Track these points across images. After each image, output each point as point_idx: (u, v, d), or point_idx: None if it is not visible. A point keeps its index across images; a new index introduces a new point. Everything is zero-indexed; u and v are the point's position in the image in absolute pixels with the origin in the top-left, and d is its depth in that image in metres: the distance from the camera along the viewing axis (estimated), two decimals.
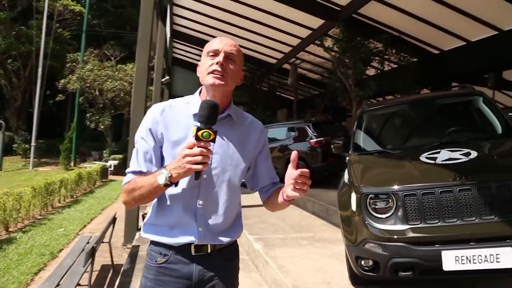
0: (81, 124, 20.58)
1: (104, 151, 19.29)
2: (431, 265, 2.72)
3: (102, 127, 19.28)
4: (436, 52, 11.05)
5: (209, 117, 1.24)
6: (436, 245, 2.73)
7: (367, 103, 4.49)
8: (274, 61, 17.01)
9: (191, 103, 1.47)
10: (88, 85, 18.55)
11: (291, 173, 1.30)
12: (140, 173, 1.40)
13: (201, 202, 1.41)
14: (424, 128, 4.13)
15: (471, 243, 2.67)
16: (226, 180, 1.44)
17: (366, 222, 2.98)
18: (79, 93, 19.75)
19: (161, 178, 1.26)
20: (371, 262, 2.99)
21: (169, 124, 1.43)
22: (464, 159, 2.99)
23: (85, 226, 7.79)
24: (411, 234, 2.79)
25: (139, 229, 6.02)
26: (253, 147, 1.53)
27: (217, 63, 1.36)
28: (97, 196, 11.13)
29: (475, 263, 2.62)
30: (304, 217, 6.64)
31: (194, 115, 1.40)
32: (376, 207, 3.00)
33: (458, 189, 2.74)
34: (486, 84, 9.17)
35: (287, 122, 12.87)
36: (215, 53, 1.39)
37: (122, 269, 4.30)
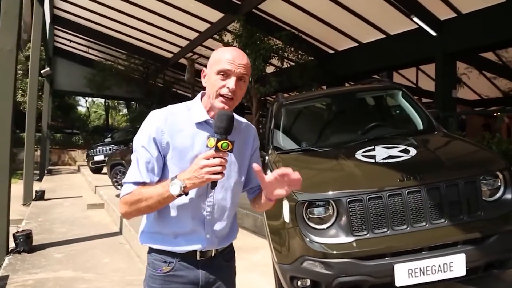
0: None
1: None
2: (382, 281, 2.28)
3: None
4: (331, 51, 11.31)
5: (227, 128, 1.24)
6: (387, 258, 2.30)
7: (283, 95, 3.93)
8: (170, 55, 15.90)
9: (193, 110, 1.42)
10: None
11: (269, 178, 1.32)
12: (143, 183, 1.33)
13: (208, 209, 1.41)
14: (345, 122, 3.77)
15: (423, 253, 2.30)
16: (230, 186, 1.44)
17: (304, 236, 2.43)
18: None
19: (174, 188, 1.24)
20: (309, 282, 2.45)
21: (174, 133, 1.37)
22: (405, 156, 2.62)
23: None
24: (358, 248, 2.31)
25: (9, 253, 4.65)
26: (249, 152, 1.53)
27: (228, 87, 1.32)
28: None
29: (429, 274, 2.25)
30: None
31: (198, 124, 1.39)
32: (315, 216, 2.46)
33: (407, 191, 2.35)
34: None
35: None
36: (226, 74, 1.33)
37: None
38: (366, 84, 4.13)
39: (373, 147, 2.90)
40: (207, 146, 1.25)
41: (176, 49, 15.01)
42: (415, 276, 2.24)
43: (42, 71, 12.84)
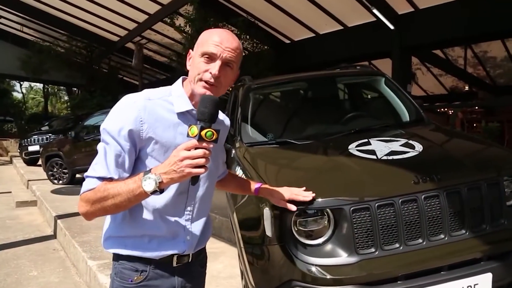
0: None
1: None
2: None
3: None
4: (288, 41, 10.84)
5: (213, 114, 1.08)
6: (400, 282, 1.77)
7: (250, 78, 3.28)
8: (116, 38, 14.56)
9: (174, 98, 1.23)
10: None
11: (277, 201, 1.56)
12: (110, 179, 1.14)
13: (189, 208, 1.26)
14: (324, 111, 3.20)
15: (443, 273, 1.79)
16: (208, 180, 1.31)
17: (292, 255, 1.83)
18: None
19: (148, 184, 1.05)
20: None
21: (155, 122, 1.18)
22: (412, 152, 2.10)
23: None
24: (365, 270, 1.75)
25: None
26: (223, 143, 1.45)
27: (210, 72, 1.17)
28: None
29: None
30: None
31: (179, 113, 1.22)
32: (306, 229, 1.87)
33: (423, 196, 1.82)
34: None
35: None
36: (211, 58, 1.18)
37: None
38: (344, 69, 3.59)
39: (366, 140, 2.36)
40: (188, 135, 1.06)
41: (123, 32, 13.74)
42: None
43: None
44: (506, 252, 1.88)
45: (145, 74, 16.64)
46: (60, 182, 8.08)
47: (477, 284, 1.77)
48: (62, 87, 28.00)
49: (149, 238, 1.23)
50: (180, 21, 10.35)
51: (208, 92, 1.18)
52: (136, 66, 13.41)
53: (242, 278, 2.72)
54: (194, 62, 1.21)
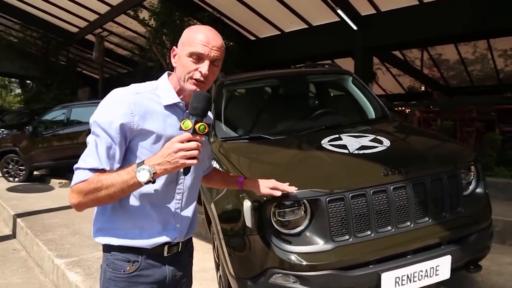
0: None
1: None
2: None
3: None
4: (253, 38, 10.92)
5: (205, 109, 1.15)
6: (371, 266, 1.92)
7: (223, 74, 3.33)
8: (75, 29, 13.96)
9: (161, 92, 1.28)
10: None
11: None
12: (102, 170, 1.18)
13: (178, 197, 1.32)
14: (294, 107, 3.33)
15: (409, 257, 1.97)
16: (195, 171, 1.36)
17: (272, 244, 1.93)
18: None
19: (143, 175, 1.11)
20: None
21: (145, 115, 1.23)
22: (381, 147, 2.27)
23: None
24: (340, 256, 1.89)
25: None
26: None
27: (200, 72, 1.22)
28: None
29: (415, 281, 1.94)
30: None
31: (167, 106, 1.27)
32: (285, 219, 1.98)
33: (392, 187, 1.99)
34: None
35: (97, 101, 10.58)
36: (199, 58, 1.22)
37: None
38: (310, 67, 3.75)
39: (338, 135, 2.51)
40: (180, 128, 1.13)
41: (83, 23, 13.21)
42: (402, 284, 1.91)
43: None
44: (463, 237, 2.10)
45: (106, 68, 16.10)
46: (16, 179, 7.71)
47: (438, 265, 1.97)
48: (14, 79, 26.43)
49: (140, 227, 1.26)
50: (144, 14, 10.14)
51: (198, 89, 1.23)
52: (97, 59, 13.00)
53: (217, 271, 2.79)
54: (182, 61, 1.24)
